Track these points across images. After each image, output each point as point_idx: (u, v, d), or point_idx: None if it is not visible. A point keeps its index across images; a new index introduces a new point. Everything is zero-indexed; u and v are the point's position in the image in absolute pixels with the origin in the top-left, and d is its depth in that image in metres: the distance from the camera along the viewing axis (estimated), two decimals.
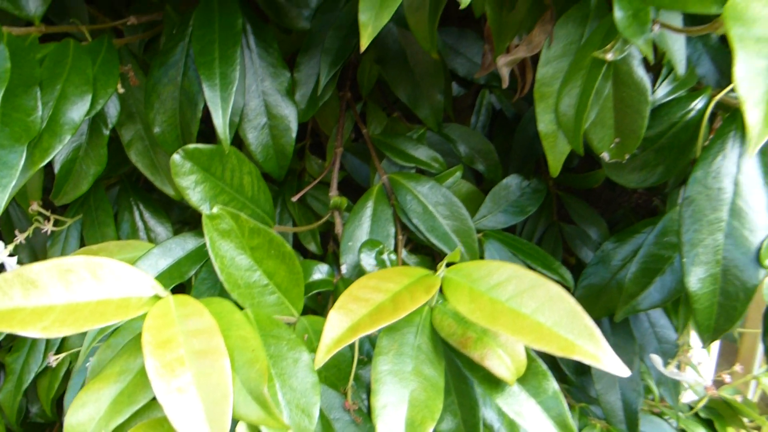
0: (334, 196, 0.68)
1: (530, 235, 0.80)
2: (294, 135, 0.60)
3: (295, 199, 0.70)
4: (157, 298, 0.40)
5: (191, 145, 0.52)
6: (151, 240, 0.73)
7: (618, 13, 0.43)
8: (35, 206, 0.64)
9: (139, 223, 0.73)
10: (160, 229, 0.74)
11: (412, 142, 0.67)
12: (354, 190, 0.78)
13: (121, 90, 0.59)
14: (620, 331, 0.75)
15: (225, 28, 0.53)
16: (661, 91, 0.56)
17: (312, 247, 0.81)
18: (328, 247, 0.81)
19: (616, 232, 0.78)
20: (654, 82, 0.60)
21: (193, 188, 0.53)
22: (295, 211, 0.79)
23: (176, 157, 0.51)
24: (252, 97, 0.59)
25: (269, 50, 0.60)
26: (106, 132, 0.59)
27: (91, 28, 0.61)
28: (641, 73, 0.50)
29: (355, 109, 0.71)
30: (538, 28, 0.49)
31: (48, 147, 0.49)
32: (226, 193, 0.55)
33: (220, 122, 0.51)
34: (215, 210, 0.50)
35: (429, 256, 0.68)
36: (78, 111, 0.51)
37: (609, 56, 0.44)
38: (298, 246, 0.81)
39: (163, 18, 0.62)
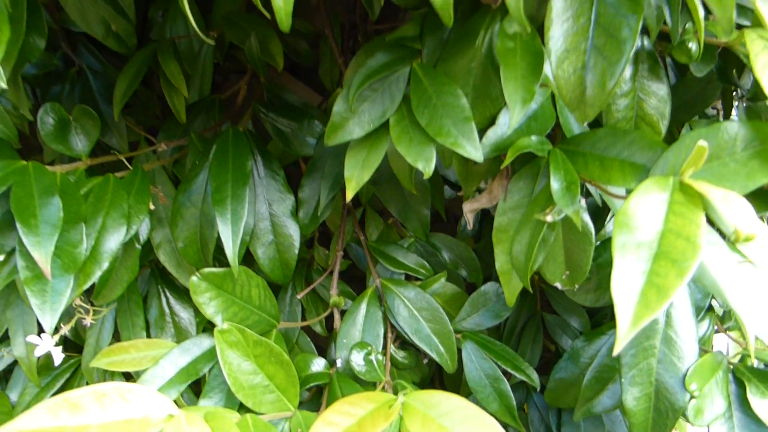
0: (334, 296, 0.77)
1: (514, 324, 0.88)
2: (297, 251, 0.70)
3: (300, 296, 0.80)
4: (171, 416, 0.50)
5: (207, 270, 0.62)
6: (175, 324, 0.84)
7: (554, 185, 0.52)
8: (78, 301, 0.75)
9: (166, 308, 0.84)
10: (184, 314, 0.84)
11: (402, 250, 0.76)
12: (358, 278, 0.88)
13: (152, 207, 0.70)
14: (591, 418, 0.83)
15: (237, 169, 0.63)
16: (610, 226, 0.65)
17: (318, 328, 0.90)
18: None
19: (595, 320, 0.86)
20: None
21: (207, 303, 0.63)
22: (303, 298, 0.89)
23: (194, 279, 0.62)
24: (261, 219, 0.69)
25: (276, 178, 0.70)
26: (138, 246, 0.70)
27: (129, 155, 0.72)
28: (586, 219, 0.59)
29: (354, 216, 0.81)
30: (496, 182, 0.58)
31: (90, 272, 0.60)
32: (236, 305, 0.65)
33: (230, 252, 0.61)
34: (225, 326, 0.60)
35: (414, 348, 0.77)
36: (115, 240, 0.62)
37: (548, 218, 0.53)
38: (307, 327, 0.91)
39: (189, 144, 0.73)
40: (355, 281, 0.89)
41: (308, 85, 0.94)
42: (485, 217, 0.88)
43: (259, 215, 0.70)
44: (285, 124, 0.72)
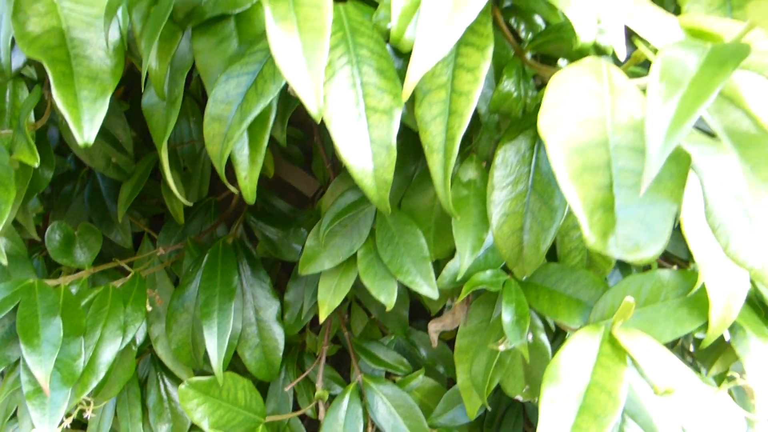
0: (319, 389, 0.82)
1: (494, 411, 0.92)
2: (281, 353, 0.76)
3: (287, 388, 0.85)
4: None
5: (194, 378, 0.67)
6: (172, 409, 0.89)
7: (505, 317, 0.57)
8: None
9: (164, 394, 0.89)
10: None
11: (383, 347, 0.81)
12: (347, 361, 0.92)
13: (149, 308, 0.76)
14: None
15: (224, 284, 0.69)
16: None
17: (309, 412, 0.95)
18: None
19: None
20: None
21: (195, 409, 0.68)
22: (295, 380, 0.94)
23: (182, 387, 0.67)
24: (248, 324, 0.75)
25: (263, 285, 0.75)
26: (134, 349, 0.75)
27: (129, 260, 0.78)
28: (543, 338, 0.64)
29: (341, 312, 0.86)
30: (459, 306, 0.63)
31: (87, 383, 0.66)
32: (222, 407, 0.70)
33: (215, 362, 0.67)
34: None
35: None
36: (111, 351, 0.67)
37: (501, 348, 0.58)
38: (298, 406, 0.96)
39: (185, 248, 0.79)
40: (344, 364, 0.93)
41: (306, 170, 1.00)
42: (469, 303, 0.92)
43: (246, 320, 0.75)
44: (273, 231, 0.78)
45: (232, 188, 0.50)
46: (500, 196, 0.50)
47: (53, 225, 0.70)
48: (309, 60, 0.37)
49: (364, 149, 0.41)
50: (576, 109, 0.35)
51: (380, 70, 0.43)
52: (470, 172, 0.57)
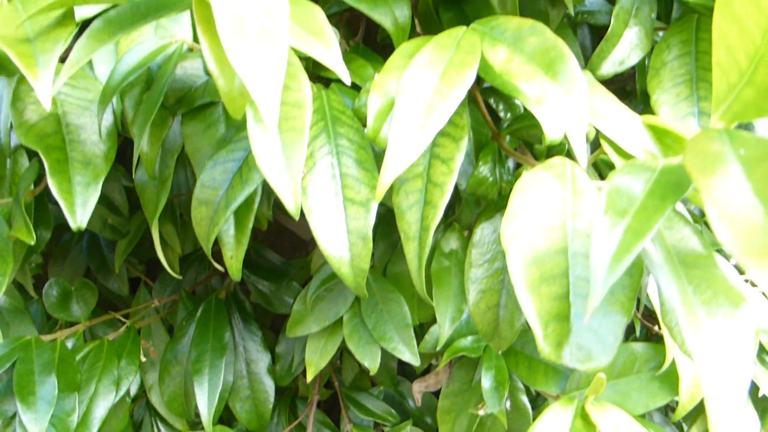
0: None
1: None
2: (271, 404, 0.77)
3: None
4: None
5: None
6: None
7: (484, 383, 0.58)
8: None
9: None
10: None
11: (372, 398, 0.83)
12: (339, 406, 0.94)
13: (143, 359, 0.78)
14: None
15: (216, 340, 0.71)
16: None
17: None
18: None
19: None
20: None
21: None
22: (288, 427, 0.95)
23: None
24: (240, 377, 0.77)
25: (254, 339, 0.77)
26: (128, 401, 0.77)
27: (124, 312, 0.80)
28: (524, 400, 0.65)
29: (332, 360, 0.88)
30: (442, 368, 0.65)
31: None
32: None
33: (205, 418, 0.68)
34: None
35: None
36: (105, 406, 0.69)
37: (480, 412, 0.59)
38: None
39: (180, 300, 0.81)
40: (336, 408, 0.95)
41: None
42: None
43: (238, 373, 0.77)
44: (265, 285, 0.80)
45: (218, 266, 0.53)
46: (477, 274, 0.52)
47: (51, 282, 0.73)
48: (288, 159, 0.40)
49: (341, 240, 0.43)
50: (538, 216, 0.37)
51: (359, 161, 0.45)
52: (452, 242, 0.59)
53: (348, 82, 0.35)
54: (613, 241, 0.29)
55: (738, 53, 0.29)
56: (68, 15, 0.41)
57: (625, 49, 0.53)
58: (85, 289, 0.74)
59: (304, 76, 0.42)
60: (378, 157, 0.47)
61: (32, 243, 0.50)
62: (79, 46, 0.37)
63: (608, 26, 0.58)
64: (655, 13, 0.63)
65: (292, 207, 0.39)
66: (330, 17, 0.63)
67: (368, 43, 0.66)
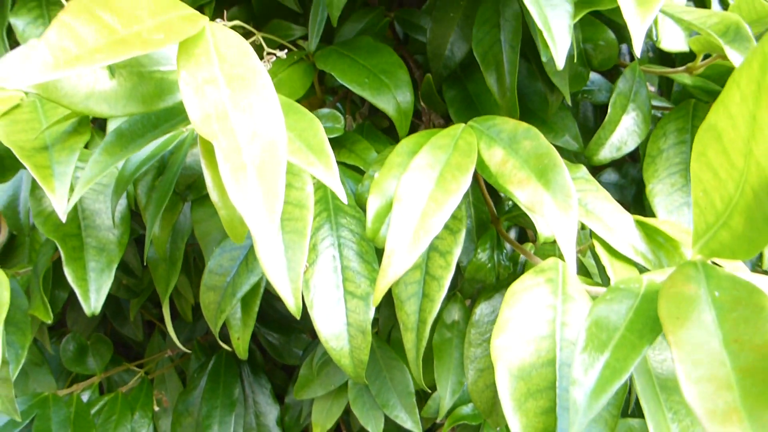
0: None
1: None
2: None
3: None
4: None
5: None
6: None
7: None
8: None
9: None
10: None
11: None
12: None
13: (156, 409, 0.80)
14: None
15: (226, 396, 0.73)
16: None
17: None
18: None
19: None
20: None
21: None
22: None
23: None
24: (249, 429, 0.78)
25: (264, 391, 0.79)
26: None
27: (138, 363, 0.82)
28: None
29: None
30: None
31: None
32: None
33: None
34: None
35: None
36: None
37: None
38: None
39: (192, 351, 0.84)
40: None
41: None
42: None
43: (247, 425, 0.79)
44: (275, 337, 0.82)
45: (225, 346, 0.54)
46: (476, 353, 0.53)
47: (68, 337, 0.75)
48: (290, 261, 0.41)
49: (341, 333, 0.45)
50: (527, 327, 0.38)
51: (360, 253, 0.47)
52: (454, 313, 0.60)
53: (345, 201, 0.37)
54: (591, 378, 0.30)
55: (714, 197, 0.31)
56: (83, 122, 0.43)
57: (622, 135, 0.54)
58: (101, 344, 0.76)
59: (307, 175, 0.44)
60: (379, 250, 0.49)
61: (49, 322, 0.52)
62: (93, 161, 0.39)
63: (607, 103, 0.59)
64: (655, 88, 0.64)
65: (293, 307, 0.41)
66: (336, 89, 0.65)
67: (373, 111, 0.68)
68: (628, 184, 0.73)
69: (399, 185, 0.42)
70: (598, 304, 0.33)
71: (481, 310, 0.54)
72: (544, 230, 0.46)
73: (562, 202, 0.40)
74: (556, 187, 0.41)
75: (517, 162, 0.43)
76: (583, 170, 0.48)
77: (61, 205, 0.39)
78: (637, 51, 0.37)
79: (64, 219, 0.39)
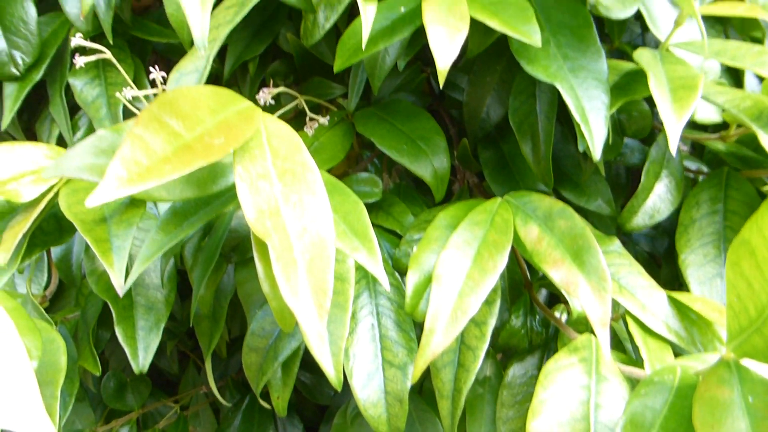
0: None
1: None
2: None
3: None
4: None
5: None
6: None
7: None
8: None
9: None
10: None
11: None
12: None
13: None
14: None
15: None
16: None
17: None
18: None
19: None
20: None
21: None
22: None
23: None
24: None
25: (296, 431, 0.81)
26: None
27: (174, 399, 0.85)
28: None
29: None
30: None
31: None
32: None
33: None
34: None
35: None
36: None
37: None
38: None
39: (226, 387, 0.86)
40: None
41: None
42: None
43: None
44: (307, 376, 0.84)
45: (265, 404, 0.56)
46: (508, 414, 0.55)
47: (108, 374, 0.78)
48: (332, 335, 0.43)
49: (379, 400, 0.47)
50: (562, 408, 0.39)
51: (398, 322, 0.49)
52: (486, 369, 0.62)
53: (387, 288, 0.39)
54: None
55: (748, 304, 0.32)
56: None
57: (655, 203, 0.55)
58: (140, 381, 0.79)
59: None
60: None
61: (98, 374, 0.55)
62: (151, 240, 0.41)
63: (640, 165, 0.60)
64: (688, 147, 0.65)
65: (334, 379, 0.43)
66: (373, 144, 0.67)
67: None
68: (660, 235, 0.73)
69: (438, 263, 0.44)
70: (633, 401, 0.35)
71: (514, 371, 0.55)
72: (577, 305, 0.47)
73: (597, 285, 0.41)
74: (590, 269, 0.42)
75: (552, 241, 0.44)
76: (616, 243, 0.49)
77: (118, 280, 0.41)
78: (673, 150, 0.38)
79: (121, 294, 0.41)
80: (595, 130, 0.41)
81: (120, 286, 0.42)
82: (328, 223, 0.36)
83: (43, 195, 0.46)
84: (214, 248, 0.51)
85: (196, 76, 0.45)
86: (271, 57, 0.72)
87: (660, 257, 0.74)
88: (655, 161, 0.55)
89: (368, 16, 0.37)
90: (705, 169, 0.62)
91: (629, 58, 0.60)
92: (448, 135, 0.67)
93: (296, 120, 0.65)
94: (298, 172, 0.37)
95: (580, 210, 0.59)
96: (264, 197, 0.35)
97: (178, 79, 0.46)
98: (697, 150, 0.67)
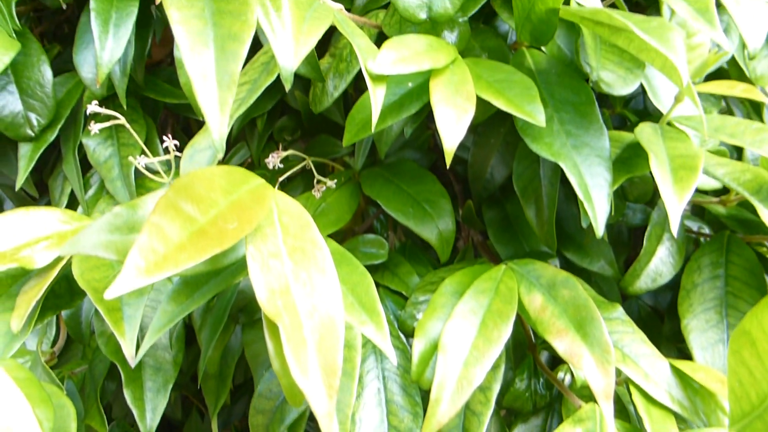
0: None
1: None
2: None
3: None
4: None
5: None
6: None
7: None
8: None
9: None
10: None
11: None
12: None
13: None
14: None
15: None
16: None
17: None
18: None
19: None
20: None
21: None
22: None
23: None
24: None
25: None
26: None
27: None
28: None
29: None
30: None
31: None
32: None
33: None
34: None
35: None
36: None
37: None
38: None
39: None
40: None
41: None
42: None
43: None
44: (311, 425, 0.84)
45: None
46: None
47: (113, 425, 0.78)
48: (339, 402, 0.44)
49: None
50: None
51: (403, 386, 0.49)
52: (490, 428, 0.62)
53: (395, 362, 0.39)
54: None
55: (750, 390, 0.32)
56: None
57: (657, 266, 0.56)
58: None
59: None
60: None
61: None
62: (161, 311, 0.42)
63: (642, 225, 0.61)
64: (689, 207, 0.66)
65: None
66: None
67: None
68: (662, 289, 0.74)
69: (443, 332, 0.45)
70: None
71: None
72: (581, 374, 0.47)
73: (600, 357, 0.42)
74: (594, 341, 0.43)
75: (555, 310, 0.45)
76: (619, 311, 0.49)
77: (129, 350, 0.42)
78: (674, 230, 0.39)
79: (133, 365, 0.42)
80: (598, 207, 0.42)
81: (131, 356, 0.42)
82: (338, 302, 0.36)
83: (57, 261, 0.47)
84: (223, 311, 0.52)
85: (210, 153, 0.46)
86: (279, 113, 0.74)
87: (663, 311, 0.74)
88: (657, 225, 0.56)
89: (378, 98, 0.38)
90: (706, 229, 0.62)
91: (631, 121, 0.62)
92: (453, 192, 0.68)
93: (303, 176, 0.67)
94: (308, 249, 0.38)
95: (583, 271, 0.60)
96: (275, 275, 0.36)
97: (192, 155, 0.47)
98: (697, 209, 0.68)
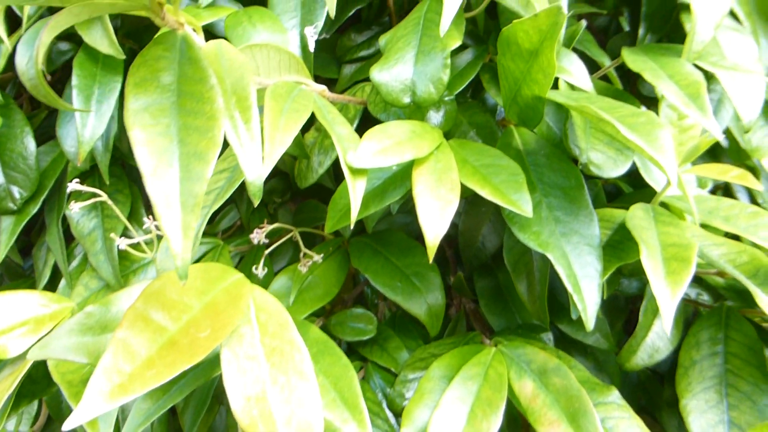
0: None
1: None
2: None
3: None
4: None
5: None
6: None
7: None
8: None
9: None
10: None
11: None
12: None
13: None
14: None
15: None
16: None
17: None
18: None
19: None
20: None
21: None
22: None
23: None
24: None
25: None
26: None
27: None
28: None
29: None
30: None
31: None
32: None
33: None
34: None
35: None
36: None
37: None
38: None
39: None
40: None
41: None
42: None
43: None
44: None
45: None
46: None
47: None
48: None
49: None
50: None
51: None
52: None
53: None
54: None
55: None
56: None
57: (654, 341, 0.54)
58: None
59: None
60: None
61: None
62: (137, 408, 0.40)
63: (638, 294, 0.60)
64: None
65: None
66: None
67: None
68: None
69: (430, 422, 0.43)
70: None
71: None
72: None
73: None
74: None
75: (547, 399, 0.43)
76: (615, 394, 0.48)
77: None
78: (667, 328, 0.37)
79: None
80: (588, 298, 0.41)
81: None
82: (317, 407, 0.35)
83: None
84: (207, 392, 0.50)
85: None
86: (268, 175, 0.73)
87: (663, 374, 0.72)
88: (652, 299, 0.55)
89: (357, 193, 0.37)
90: (705, 296, 0.61)
91: (624, 192, 0.61)
92: (444, 257, 0.67)
93: (292, 241, 0.65)
94: (287, 351, 0.36)
95: (578, 342, 0.58)
96: (251, 379, 0.35)
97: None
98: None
